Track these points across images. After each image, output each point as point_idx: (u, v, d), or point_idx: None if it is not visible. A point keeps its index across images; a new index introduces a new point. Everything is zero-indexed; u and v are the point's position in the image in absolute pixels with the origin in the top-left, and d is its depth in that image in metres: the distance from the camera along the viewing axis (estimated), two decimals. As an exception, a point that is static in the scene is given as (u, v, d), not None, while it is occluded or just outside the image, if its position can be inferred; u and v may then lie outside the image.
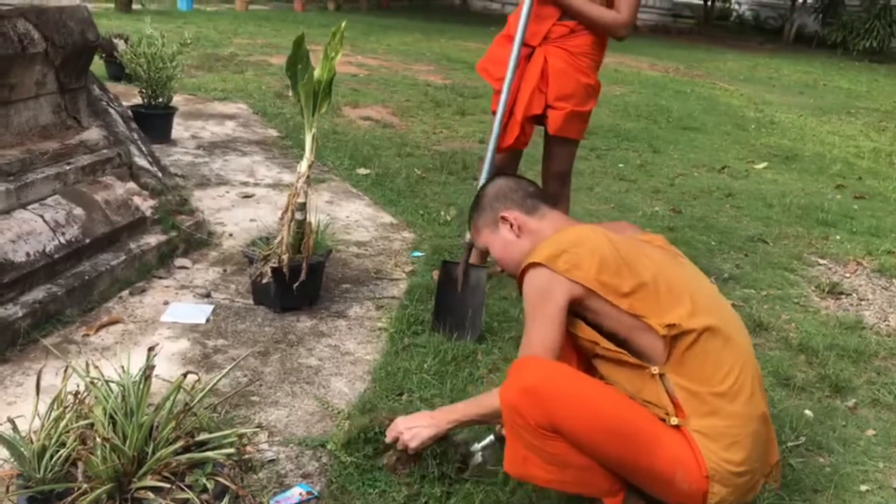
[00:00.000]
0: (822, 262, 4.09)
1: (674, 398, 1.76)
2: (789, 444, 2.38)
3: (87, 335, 2.59)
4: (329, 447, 2.12)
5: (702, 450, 1.71)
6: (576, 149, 3.22)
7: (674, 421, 1.73)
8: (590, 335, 1.83)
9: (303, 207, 2.76)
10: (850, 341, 3.11)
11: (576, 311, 1.82)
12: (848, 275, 3.94)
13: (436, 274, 3.11)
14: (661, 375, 1.76)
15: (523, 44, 2.93)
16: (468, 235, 2.71)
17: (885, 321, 3.43)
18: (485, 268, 2.96)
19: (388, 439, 2.02)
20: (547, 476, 1.75)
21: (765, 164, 6.25)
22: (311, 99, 2.65)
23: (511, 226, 2.01)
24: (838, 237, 4.48)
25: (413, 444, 1.97)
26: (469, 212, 2.16)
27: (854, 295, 3.69)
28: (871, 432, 2.53)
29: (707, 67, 12.70)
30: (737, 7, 22.38)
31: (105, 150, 3.23)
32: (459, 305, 2.88)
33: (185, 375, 1.58)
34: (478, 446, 2.09)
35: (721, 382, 1.75)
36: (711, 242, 4.20)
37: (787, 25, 19.03)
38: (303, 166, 2.74)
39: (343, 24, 2.63)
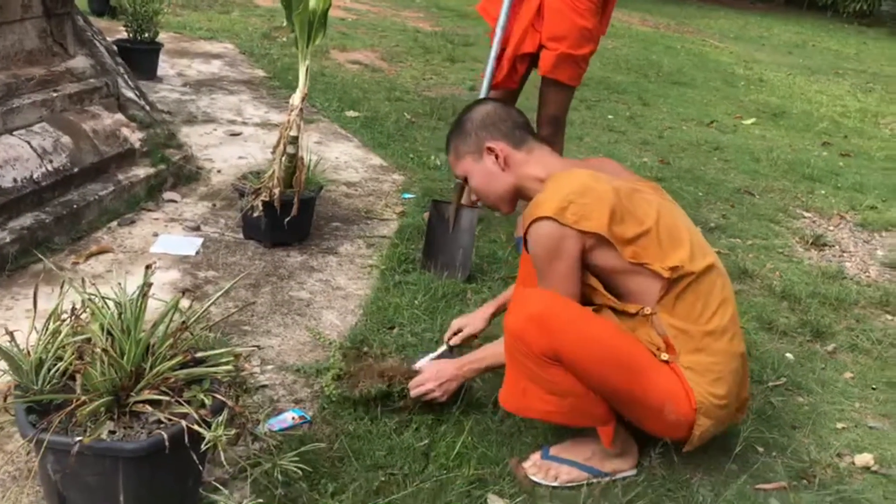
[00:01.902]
0: (806, 215, 4.14)
1: (664, 337, 1.78)
2: (770, 383, 2.44)
3: (77, 263, 2.58)
4: (327, 393, 2.08)
5: (690, 384, 1.75)
6: (570, 95, 3.17)
7: (664, 356, 1.77)
8: (592, 282, 1.83)
9: (295, 141, 2.73)
10: (831, 290, 3.16)
11: None
12: (831, 228, 3.99)
13: (426, 215, 3.11)
14: (653, 315, 1.79)
15: None
16: None
17: (865, 272, 3.49)
18: (476, 209, 2.96)
19: (413, 395, 2.00)
20: (545, 407, 1.78)
21: (753, 120, 6.26)
22: (305, 29, 2.60)
23: (497, 157, 1.93)
24: (823, 192, 4.53)
25: (444, 399, 2.00)
26: (448, 134, 2.03)
27: (837, 247, 3.74)
28: (848, 375, 2.59)
29: (698, 24, 12.61)
30: (729, -35, 22.16)
31: (92, 80, 3.17)
32: (450, 245, 2.89)
33: (183, 293, 1.58)
34: (431, 355, 2.13)
35: (709, 321, 1.78)
36: (699, 193, 4.23)
37: (779, -15, 18.90)
38: (296, 98, 2.71)
39: (340, -47, 2.57)
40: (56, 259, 2.59)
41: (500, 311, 2.20)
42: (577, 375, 1.72)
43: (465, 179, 2.03)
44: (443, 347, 2.17)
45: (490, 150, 1.94)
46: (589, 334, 1.72)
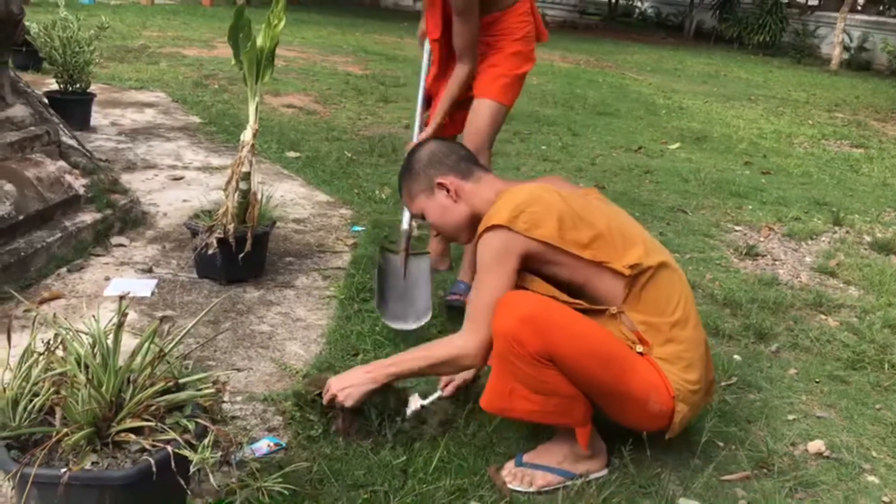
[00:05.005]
0: (737, 228, 4.35)
1: (635, 332, 1.88)
2: (723, 383, 2.55)
3: (29, 310, 2.52)
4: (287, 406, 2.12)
5: (665, 373, 1.84)
6: (498, 112, 2.90)
7: (639, 349, 1.86)
8: (546, 290, 1.91)
9: (247, 177, 2.76)
10: (768, 295, 3.33)
11: (530, 266, 1.89)
12: (762, 239, 4.21)
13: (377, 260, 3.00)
14: (620, 313, 1.88)
15: None
16: (405, 223, 2.68)
17: (797, 278, 3.68)
18: (426, 254, 2.83)
19: (325, 401, 2.00)
20: (530, 407, 1.82)
21: (678, 145, 6.56)
22: (254, 66, 2.65)
23: (448, 191, 2.02)
24: (750, 207, 4.77)
25: (348, 404, 1.96)
26: (399, 177, 2.13)
27: (768, 256, 3.95)
28: (792, 371, 2.73)
29: (615, 59, 13.13)
30: (639, 4, 23.17)
31: (32, 128, 3.13)
32: (403, 296, 2.70)
33: (161, 320, 1.59)
34: (423, 402, 2.10)
35: (673, 313, 1.89)
36: (636, 213, 4.39)
37: (687, 22, 19.84)
38: (247, 135, 2.74)
39: (285, -8, 2.63)
40: (6, 308, 2.53)
41: None
42: (567, 373, 1.78)
43: (423, 216, 2.11)
44: (436, 394, 2.15)
45: (441, 185, 2.03)
46: (578, 333, 1.79)
